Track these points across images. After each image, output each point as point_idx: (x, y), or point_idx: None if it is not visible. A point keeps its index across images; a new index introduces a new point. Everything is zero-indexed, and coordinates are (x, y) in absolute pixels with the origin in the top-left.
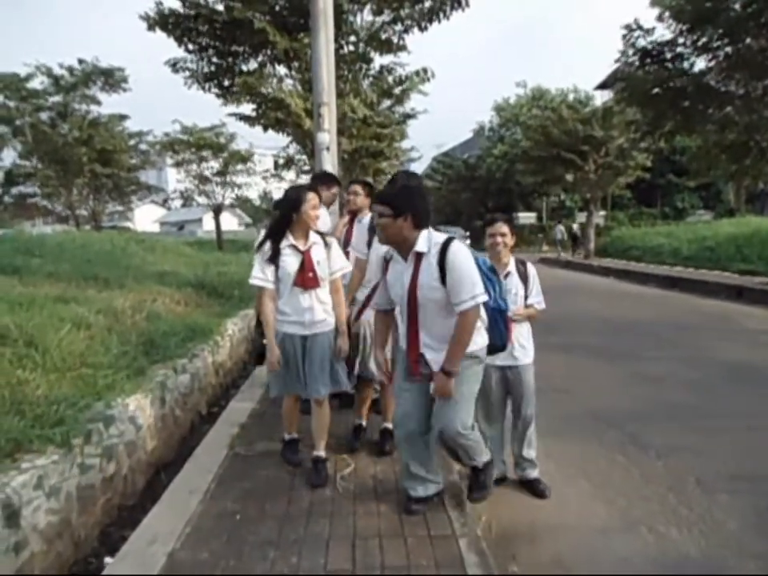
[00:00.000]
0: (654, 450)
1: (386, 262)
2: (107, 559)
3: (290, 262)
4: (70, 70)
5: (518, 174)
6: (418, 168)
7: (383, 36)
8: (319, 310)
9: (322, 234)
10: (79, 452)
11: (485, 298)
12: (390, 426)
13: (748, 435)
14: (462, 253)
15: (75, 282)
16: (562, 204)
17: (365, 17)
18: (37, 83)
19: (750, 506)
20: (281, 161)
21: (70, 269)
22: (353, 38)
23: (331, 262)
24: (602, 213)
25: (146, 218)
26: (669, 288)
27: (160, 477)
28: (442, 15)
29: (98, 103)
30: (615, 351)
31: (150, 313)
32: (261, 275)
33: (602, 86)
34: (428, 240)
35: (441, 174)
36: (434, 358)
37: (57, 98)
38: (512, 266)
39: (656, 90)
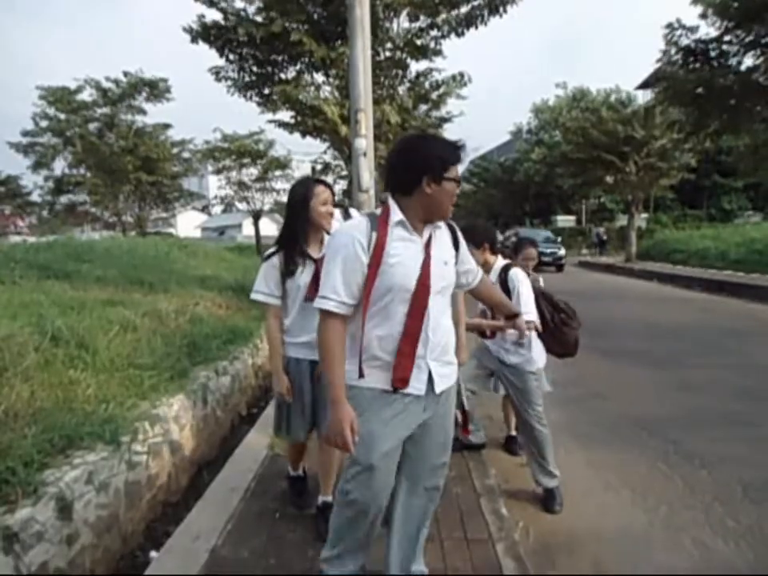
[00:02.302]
0: (698, 459)
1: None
2: (152, 553)
3: (301, 272)
4: (116, 82)
5: (558, 177)
6: None
7: (419, 42)
8: None
9: None
10: (127, 449)
11: None
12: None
13: None
14: None
15: (122, 286)
16: (602, 206)
17: (401, 23)
18: (86, 95)
19: None
20: (318, 167)
21: (117, 273)
22: (389, 45)
23: None
24: (645, 215)
25: (188, 223)
26: (715, 292)
27: (202, 475)
28: (479, 21)
29: (144, 113)
30: (658, 356)
31: (193, 316)
32: (264, 289)
33: (644, 86)
34: None
35: (477, 177)
36: (440, 372)
37: (105, 110)
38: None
39: (700, 89)
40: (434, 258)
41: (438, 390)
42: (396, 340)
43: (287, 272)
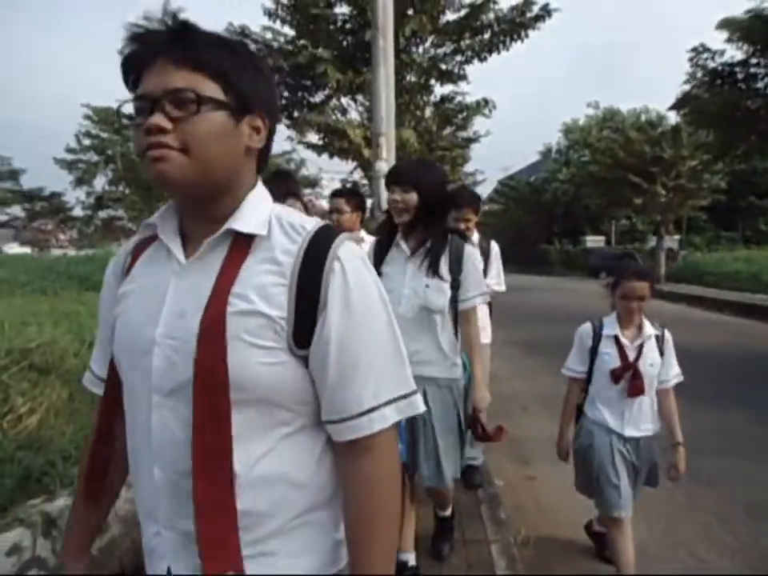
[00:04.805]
0: (703, 476)
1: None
2: None
3: None
4: None
5: (585, 196)
6: (482, 191)
7: (444, 67)
8: None
9: None
10: None
11: None
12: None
13: None
14: None
15: None
16: (633, 227)
17: (426, 49)
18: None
19: None
20: (348, 185)
21: None
22: (414, 70)
23: None
24: (677, 237)
25: None
26: (745, 316)
27: None
28: (501, 47)
29: None
30: None
31: None
32: None
33: (676, 107)
34: None
35: (505, 196)
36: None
37: None
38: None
39: (727, 111)
40: (182, 298)
41: None
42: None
43: None
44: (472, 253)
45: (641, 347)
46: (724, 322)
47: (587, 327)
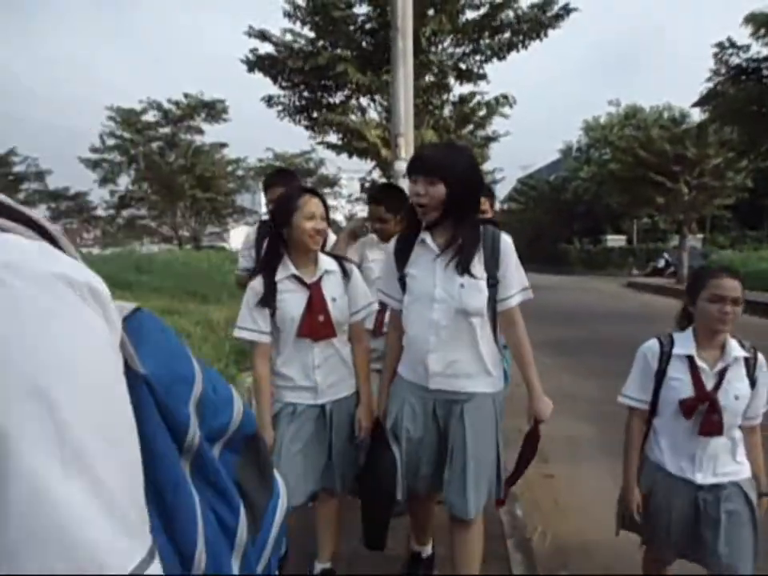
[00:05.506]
0: None
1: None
2: None
3: (292, 300)
4: (177, 103)
5: (606, 194)
6: (502, 190)
7: (463, 66)
8: (336, 367)
9: (339, 258)
10: None
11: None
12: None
13: None
14: None
15: (178, 296)
16: (655, 226)
17: (446, 48)
18: (150, 117)
19: None
20: (366, 184)
21: (173, 284)
22: (434, 69)
23: (351, 299)
24: (700, 236)
25: (240, 237)
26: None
27: None
28: (521, 46)
29: (201, 133)
30: None
31: None
32: (250, 324)
33: (700, 103)
34: None
35: (525, 195)
36: None
37: (166, 130)
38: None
39: (753, 107)
40: None
41: None
42: None
43: (270, 298)
44: (509, 245)
45: (722, 373)
46: (746, 322)
47: (653, 345)
